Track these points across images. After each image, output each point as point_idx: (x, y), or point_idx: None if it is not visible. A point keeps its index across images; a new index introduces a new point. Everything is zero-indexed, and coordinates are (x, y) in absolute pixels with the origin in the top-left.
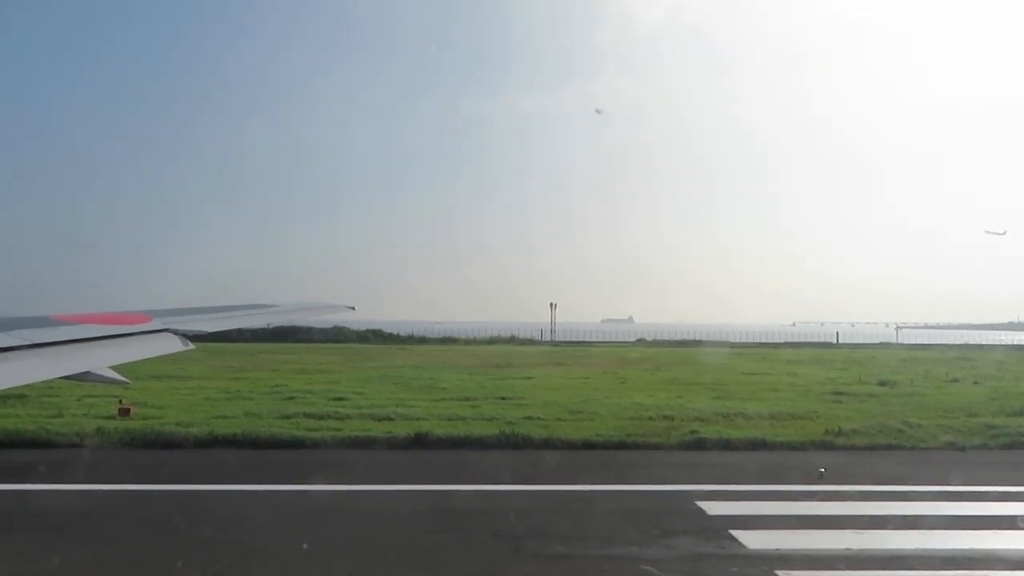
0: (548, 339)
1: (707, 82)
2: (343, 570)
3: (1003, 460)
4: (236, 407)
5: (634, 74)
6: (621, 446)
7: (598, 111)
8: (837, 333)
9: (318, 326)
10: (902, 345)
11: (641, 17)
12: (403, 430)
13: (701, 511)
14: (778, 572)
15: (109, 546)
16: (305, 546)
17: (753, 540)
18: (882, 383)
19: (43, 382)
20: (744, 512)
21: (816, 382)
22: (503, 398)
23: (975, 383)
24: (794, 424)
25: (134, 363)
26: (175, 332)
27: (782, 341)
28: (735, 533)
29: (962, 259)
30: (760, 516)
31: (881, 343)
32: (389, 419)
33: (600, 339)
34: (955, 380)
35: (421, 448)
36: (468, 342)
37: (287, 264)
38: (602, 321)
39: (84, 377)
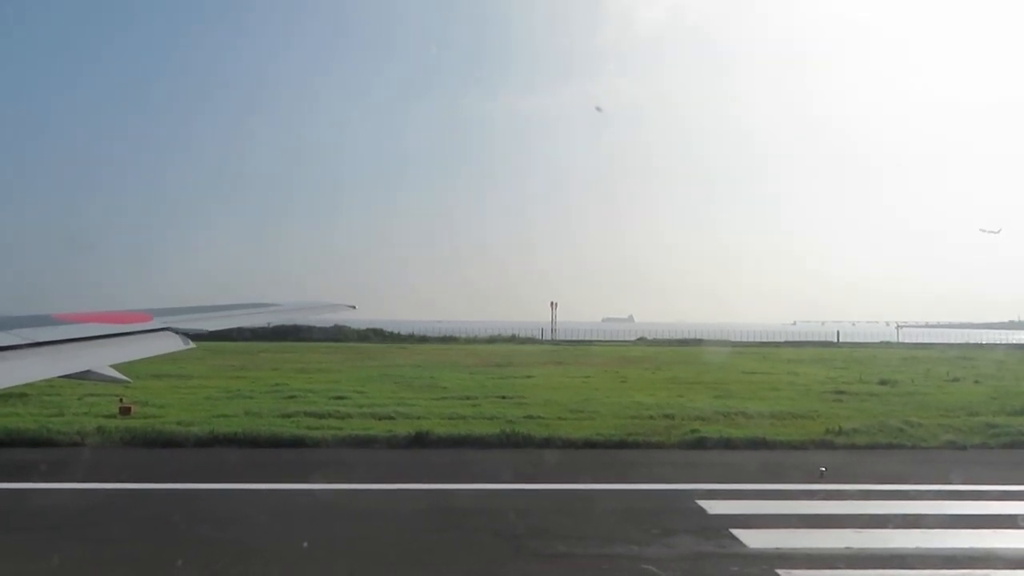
0: (549, 338)
1: (707, 82)
2: (343, 569)
3: (1004, 459)
4: (237, 406)
5: (634, 74)
6: (621, 445)
7: (598, 108)
8: (838, 332)
9: (318, 325)
10: (903, 344)
11: (641, 17)
12: (404, 429)
13: (701, 510)
14: (779, 571)
15: (109, 545)
16: (305, 545)
17: (754, 539)
18: (883, 382)
19: (44, 381)
20: (745, 511)
21: (817, 381)
22: (504, 397)
23: (976, 382)
24: (795, 423)
25: (135, 362)
26: (176, 331)
27: (783, 340)
28: (736, 532)
29: (962, 258)
30: (761, 515)
31: (882, 342)
32: (390, 418)
33: (600, 338)
34: (956, 379)
35: (421, 447)
36: (469, 341)
37: (287, 264)
38: (602, 320)
39: (85, 376)
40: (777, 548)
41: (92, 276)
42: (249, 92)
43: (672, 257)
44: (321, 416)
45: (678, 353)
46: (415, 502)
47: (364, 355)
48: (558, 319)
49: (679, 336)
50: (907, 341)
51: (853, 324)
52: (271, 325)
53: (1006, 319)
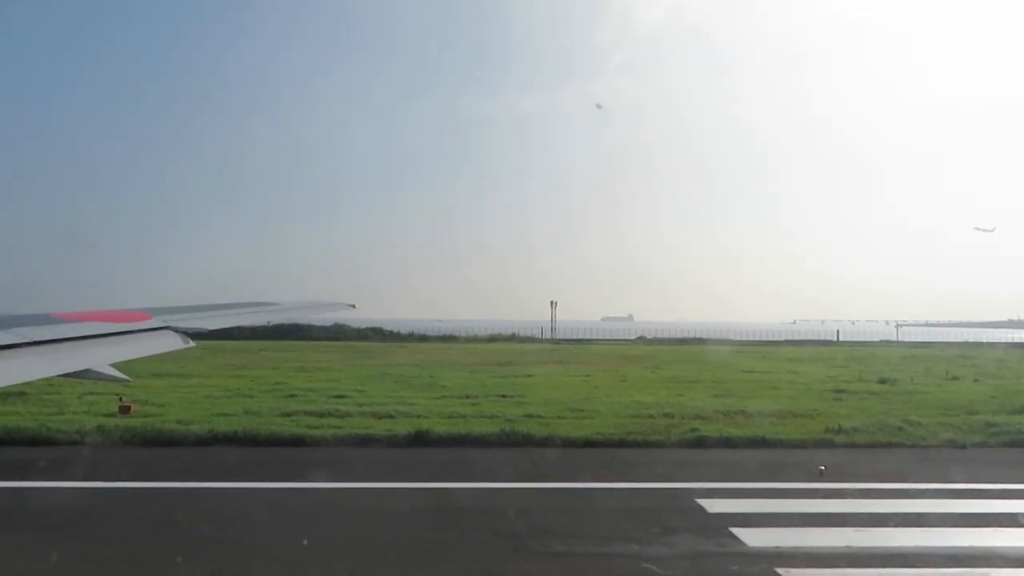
0: (548, 337)
1: (707, 82)
2: (343, 568)
3: (1003, 458)
4: (236, 405)
5: (634, 74)
6: (621, 444)
7: (598, 106)
8: (837, 331)
9: (318, 324)
10: (902, 343)
11: (641, 17)
12: (403, 428)
13: (701, 509)
14: (778, 570)
15: (109, 543)
16: (305, 543)
17: (753, 538)
18: (882, 381)
19: (44, 380)
20: (744, 510)
21: (816, 380)
22: (503, 396)
23: (975, 381)
24: (794, 422)
25: (134, 361)
26: (175, 330)
27: (782, 339)
28: (735, 531)
29: (962, 258)
30: (760, 514)
31: (881, 341)
32: (389, 417)
33: (600, 337)
34: (955, 378)
35: (421, 446)
36: (469, 340)
37: (287, 263)
38: (602, 319)
39: (85, 375)
40: (777, 547)
41: (92, 275)
42: (249, 92)
43: (672, 256)
44: (321, 415)
45: (678, 352)
46: (415, 501)
47: (364, 354)
48: (558, 318)
49: (679, 335)
50: (906, 340)
51: (853, 323)
52: (271, 324)
53: (1005, 318)
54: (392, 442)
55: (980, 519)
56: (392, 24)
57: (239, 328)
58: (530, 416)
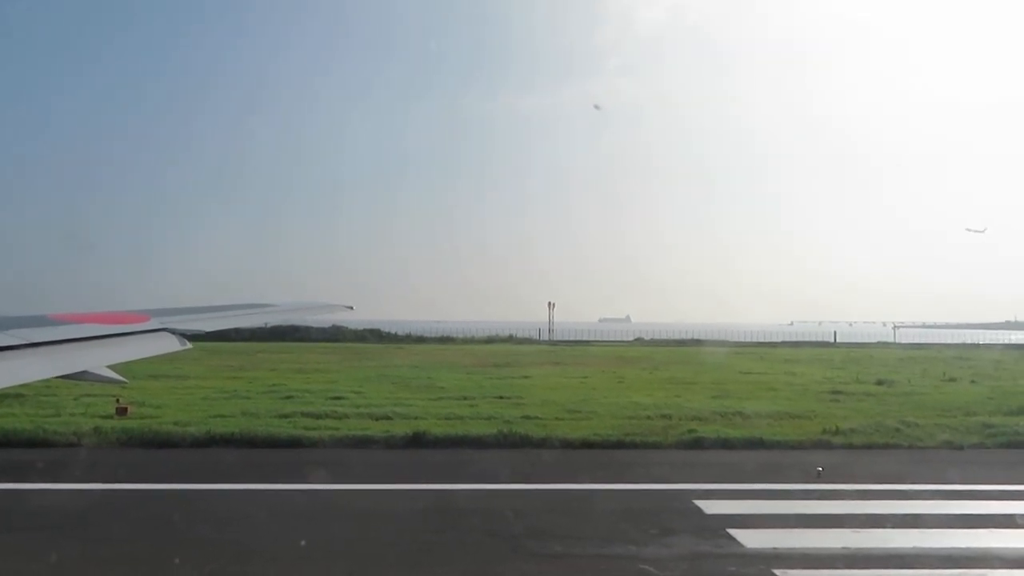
0: (546, 338)
1: (707, 82)
2: (341, 569)
3: (1000, 459)
4: (234, 406)
5: (634, 74)
6: (619, 445)
7: (597, 107)
8: (835, 332)
9: (316, 325)
10: (900, 344)
11: (641, 17)
12: (401, 429)
13: (699, 510)
14: (776, 571)
15: (107, 545)
16: (303, 545)
17: (751, 539)
18: (880, 382)
19: (40, 381)
20: (742, 511)
21: (814, 381)
22: (501, 397)
23: (972, 382)
24: (792, 423)
25: (132, 362)
26: (173, 331)
27: (780, 340)
28: (733, 532)
29: (960, 259)
30: (758, 515)
31: (879, 342)
32: (387, 418)
33: (598, 338)
34: (952, 379)
35: (419, 447)
36: (466, 341)
37: (287, 264)
38: (599, 320)
39: (82, 376)
40: (774, 548)
41: (91, 276)
42: (249, 92)
43: (671, 257)
44: (318, 416)
45: (675, 353)
46: (413, 502)
47: (362, 355)
48: (555, 319)
49: (676, 336)
50: (904, 341)
51: (850, 324)
52: (268, 325)
53: (1003, 319)
54: (390, 443)
55: (977, 520)
56: (392, 24)
57: (236, 330)
58: (528, 417)
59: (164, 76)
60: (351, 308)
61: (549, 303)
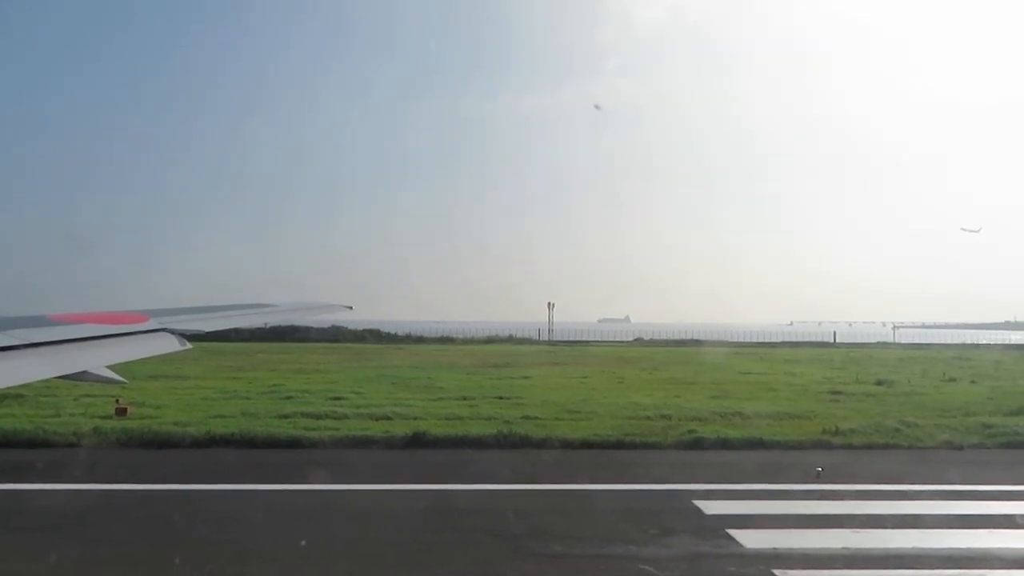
0: (546, 339)
1: (707, 82)
2: (341, 569)
3: (1000, 459)
4: (234, 407)
5: (634, 74)
6: (619, 445)
7: (597, 107)
8: (835, 332)
9: (316, 326)
10: (899, 344)
11: (641, 17)
12: (401, 430)
13: (698, 510)
14: (775, 571)
15: (107, 545)
16: (303, 545)
17: (750, 539)
18: (879, 382)
19: (40, 382)
20: (741, 511)
21: (814, 381)
22: (501, 397)
23: (972, 382)
24: (791, 423)
25: (131, 363)
26: (172, 332)
27: (780, 340)
28: (732, 532)
29: (960, 259)
30: (757, 515)
31: (878, 342)
32: (387, 418)
33: (597, 339)
34: (952, 379)
35: (419, 447)
36: (466, 341)
37: (287, 264)
38: (599, 321)
39: (81, 377)
40: (774, 548)
41: (91, 276)
42: (249, 92)
43: (671, 257)
44: (318, 417)
45: (675, 353)
46: (413, 502)
47: (361, 356)
48: (555, 319)
49: (676, 336)
50: (903, 341)
51: (850, 324)
52: (268, 326)
53: (1002, 319)
54: (390, 444)
55: (977, 520)
56: (392, 24)
57: (236, 330)
58: (528, 418)
59: (164, 76)
60: (351, 308)
61: (549, 303)
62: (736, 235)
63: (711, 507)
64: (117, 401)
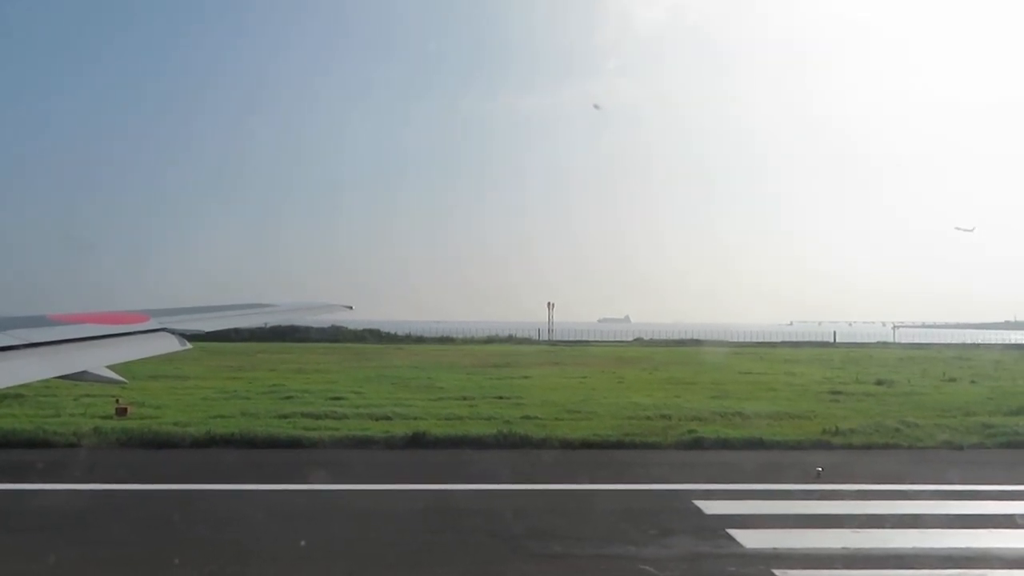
0: (545, 339)
1: (707, 82)
2: (341, 569)
3: (1000, 459)
4: (234, 407)
5: (634, 74)
6: (619, 445)
7: (596, 107)
8: (834, 332)
9: (316, 326)
10: (899, 344)
11: (641, 17)
12: (401, 430)
13: (698, 510)
14: (775, 571)
15: (107, 545)
16: (303, 545)
17: (750, 539)
18: (879, 382)
19: (40, 382)
20: (741, 511)
21: (813, 381)
22: (501, 397)
23: (972, 382)
24: (791, 423)
25: (131, 363)
26: (172, 332)
27: (779, 340)
28: (732, 532)
29: (960, 259)
30: (757, 515)
31: (878, 342)
32: (387, 418)
33: (597, 339)
34: (952, 379)
35: (419, 447)
36: (465, 341)
37: (287, 264)
38: (599, 321)
39: (81, 377)
40: (774, 548)
41: (91, 276)
42: (249, 92)
43: (670, 257)
44: (318, 417)
45: (675, 353)
46: (412, 502)
47: (361, 356)
48: (555, 319)
49: (676, 336)
50: (903, 341)
51: (850, 324)
52: (268, 326)
53: (1002, 319)
54: (389, 444)
55: (977, 520)
56: (392, 24)
57: (236, 330)
58: (527, 418)
59: (164, 76)
60: (350, 308)
61: (549, 303)
62: (736, 235)
63: (711, 507)
64: (117, 401)
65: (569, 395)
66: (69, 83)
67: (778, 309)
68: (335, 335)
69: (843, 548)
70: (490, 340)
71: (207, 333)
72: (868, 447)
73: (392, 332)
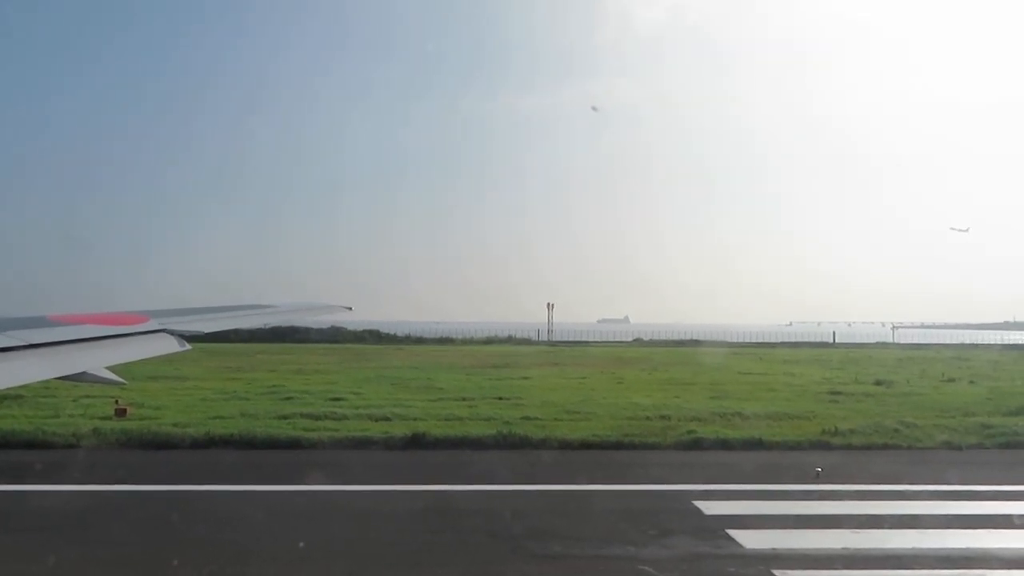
0: (545, 339)
1: (707, 82)
2: (341, 570)
3: (999, 459)
4: (233, 407)
5: (634, 74)
6: (618, 446)
7: (594, 108)
8: (834, 333)
9: (315, 326)
10: (898, 345)
11: (641, 17)
12: (400, 430)
13: (698, 511)
14: (775, 571)
15: (106, 546)
16: (302, 546)
17: (750, 539)
18: (878, 383)
19: (39, 382)
20: (741, 512)
21: (813, 382)
22: (500, 398)
23: (971, 383)
24: (791, 424)
25: (131, 363)
26: (172, 332)
27: (779, 341)
28: (732, 533)
29: (959, 259)
30: (757, 516)
31: (878, 343)
32: (386, 419)
33: (597, 339)
34: (951, 380)
35: (418, 448)
36: (465, 342)
37: (287, 264)
38: (598, 321)
39: (80, 378)
40: (773, 548)
41: (91, 276)
42: (249, 92)
43: (670, 257)
44: (318, 417)
45: (674, 354)
46: (412, 503)
47: (361, 356)
48: (555, 320)
49: (675, 337)
50: (902, 342)
51: (849, 325)
52: (268, 326)
53: (1001, 320)
54: (389, 444)
55: (976, 521)
56: (392, 24)
57: (236, 331)
58: (527, 418)
59: (164, 76)
60: (350, 309)
61: (548, 304)
62: (736, 235)
63: (711, 507)
64: (116, 402)
65: (568, 396)
66: (69, 83)
67: (777, 309)
68: (335, 336)
69: (843, 548)
70: (489, 341)
71: (207, 334)
72: (867, 448)
73: (392, 333)
